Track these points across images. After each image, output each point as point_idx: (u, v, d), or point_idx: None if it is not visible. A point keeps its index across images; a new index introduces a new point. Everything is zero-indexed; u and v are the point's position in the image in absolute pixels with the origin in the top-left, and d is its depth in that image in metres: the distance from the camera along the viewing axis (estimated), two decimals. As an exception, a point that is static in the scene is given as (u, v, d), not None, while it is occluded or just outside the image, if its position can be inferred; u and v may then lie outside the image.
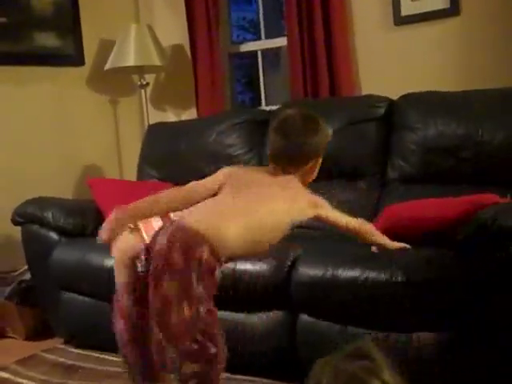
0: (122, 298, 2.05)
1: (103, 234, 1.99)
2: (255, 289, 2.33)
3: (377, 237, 2.18)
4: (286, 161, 2.14)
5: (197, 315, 1.81)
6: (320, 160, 2.20)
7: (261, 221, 1.98)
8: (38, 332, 3.17)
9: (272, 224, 2.01)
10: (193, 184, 2.18)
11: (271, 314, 2.35)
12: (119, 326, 2.07)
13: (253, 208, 1.99)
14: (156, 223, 2.24)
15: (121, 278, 2.07)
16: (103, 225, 2.01)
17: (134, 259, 1.98)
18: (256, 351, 2.39)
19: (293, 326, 2.32)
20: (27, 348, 3.02)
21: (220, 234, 1.88)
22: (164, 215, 2.23)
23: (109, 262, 2.73)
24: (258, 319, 2.37)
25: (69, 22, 3.92)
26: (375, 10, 3.38)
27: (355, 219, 2.17)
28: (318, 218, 2.14)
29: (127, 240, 2.06)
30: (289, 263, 2.31)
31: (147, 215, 2.14)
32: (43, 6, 3.82)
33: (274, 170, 2.16)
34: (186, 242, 1.83)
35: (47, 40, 3.79)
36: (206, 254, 1.83)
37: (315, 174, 2.21)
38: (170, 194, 2.18)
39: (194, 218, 1.93)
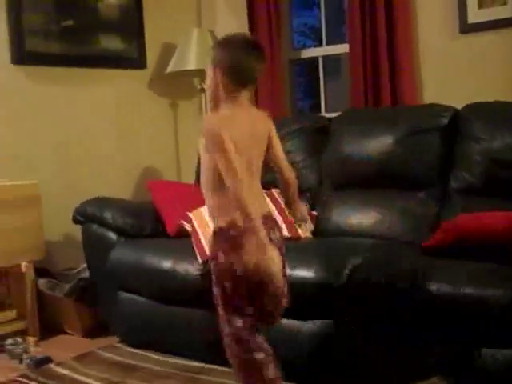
0: None
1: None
2: (308, 296, 2.31)
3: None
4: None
5: None
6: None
7: None
8: (94, 329, 3.23)
9: None
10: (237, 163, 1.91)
11: (323, 322, 2.32)
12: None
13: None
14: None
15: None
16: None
17: None
18: (307, 359, 2.37)
19: (345, 336, 2.30)
20: (84, 345, 3.08)
21: None
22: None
23: (166, 264, 2.76)
24: (312, 327, 2.34)
25: (133, 25, 3.99)
26: (440, 18, 3.32)
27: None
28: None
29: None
30: (347, 272, 2.28)
31: None
32: (109, 9, 3.89)
33: (248, 103, 2.09)
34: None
35: (112, 43, 3.86)
36: None
37: None
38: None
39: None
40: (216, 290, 2.00)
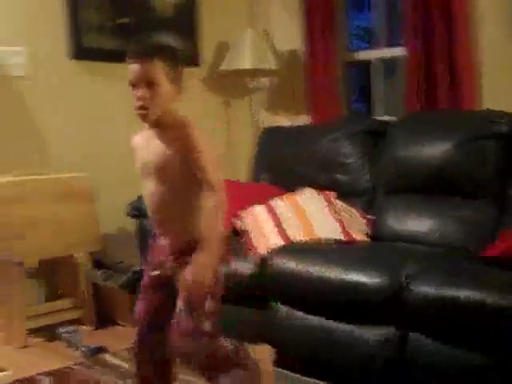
0: None
1: None
2: (366, 302, 2.30)
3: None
4: None
5: None
6: None
7: None
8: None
9: None
10: None
11: (380, 328, 2.32)
12: None
13: None
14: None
15: None
16: None
17: None
18: (361, 364, 2.36)
19: (402, 343, 2.28)
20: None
21: None
22: None
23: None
24: (367, 332, 2.34)
25: (188, 23, 4.03)
26: (501, 22, 3.25)
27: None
28: None
29: None
30: (403, 279, 2.26)
31: None
32: (165, 7, 3.93)
33: None
34: None
35: (168, 40, 3.89)
36: None
37: None
38: None
39: None
40: None
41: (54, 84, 3.45)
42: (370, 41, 5.52)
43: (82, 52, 3.54)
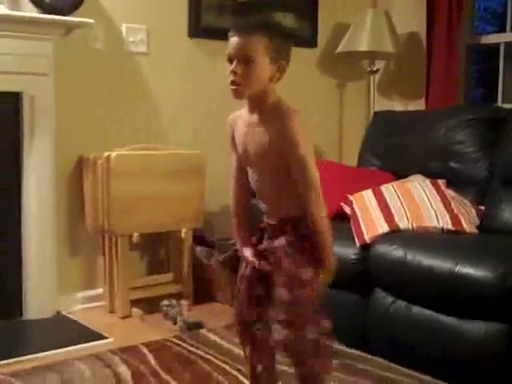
0: None
1: None
2: (476, 295, 2.20)
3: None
4: None
5: None
6: None
7: None
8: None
9: None
10: None
11: (490, 324, 2.20)
12: None
13: None
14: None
15: None
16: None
17: None
18: (466, 360, 2.27)
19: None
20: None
21: None
22: None
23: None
24: (475, 327, 2.23)
25: (307, 4, 3.98)
26: None
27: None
28: None
29: None
30: (515, 273, 2.14)
31: None
32: (284, -13, 3.91)
33: None
34: None
35: (285, 20, 3.86)
36: None
37: None
38: None
39: None
40: None
41: (172, 61, 3.52)
42: (498, 25, 5.24)
43: (200, 30, 3.59)
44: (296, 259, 1.75)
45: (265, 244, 1.84)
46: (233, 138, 1.88)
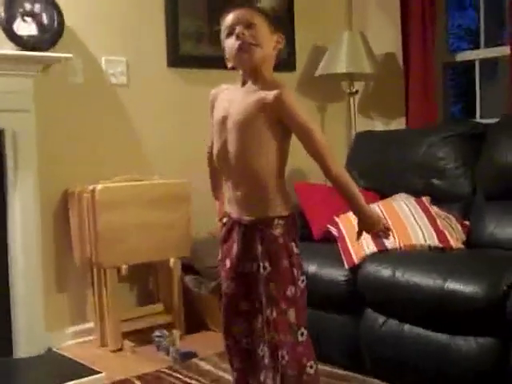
0: None
1: None
2: (465, 311, 2.22)
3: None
4: None
5: None
6: None
7: None
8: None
9: None
10: None
11: (480, 339, 2.22)
12: None
13: None
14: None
15: None
16: None
17: None
18: (458, 376, 2.27)
19: (503, 354, 2.17)
20: (226, 342, 3.13)
21: None
22: None
23: (311, 268, 2.74)
24: (465, 343, 2.24)
25: (284, 28, 3.97)
26: None
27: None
28: None
29: None
30: (504, 287, 2.16)
31: None
32: (260, 12, 3.94)
33: None
34: None
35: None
36: None
37: None
38: None
39: None
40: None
41: (152, 91, 3.53)
42: (472, 41, 5.33)
43: (179, 59, 3.61)
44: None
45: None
46: (212, 111, 1.90)
